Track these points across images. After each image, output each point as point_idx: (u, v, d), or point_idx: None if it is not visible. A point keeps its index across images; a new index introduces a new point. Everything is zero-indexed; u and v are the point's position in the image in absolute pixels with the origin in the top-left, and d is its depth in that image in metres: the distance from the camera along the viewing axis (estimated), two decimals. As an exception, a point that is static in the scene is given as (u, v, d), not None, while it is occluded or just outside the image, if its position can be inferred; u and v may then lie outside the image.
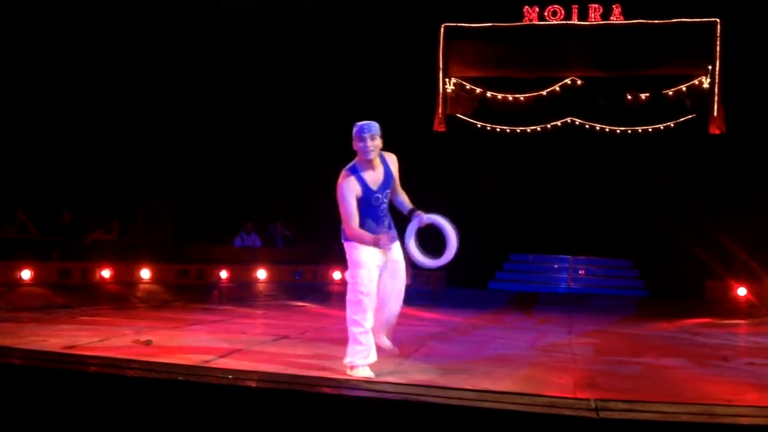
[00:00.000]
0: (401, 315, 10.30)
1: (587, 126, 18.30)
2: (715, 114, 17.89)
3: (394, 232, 6.05)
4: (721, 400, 5.37)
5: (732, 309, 12.61)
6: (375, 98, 17.41)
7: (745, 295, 13.86)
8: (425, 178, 17.50)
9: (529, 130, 18.46)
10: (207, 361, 6.21)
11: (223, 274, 13.95)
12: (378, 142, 5.98)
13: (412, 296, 12.12)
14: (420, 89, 18.68)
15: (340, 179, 5.89)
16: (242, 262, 14.53)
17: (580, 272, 16.30)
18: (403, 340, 7.91)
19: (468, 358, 7.02)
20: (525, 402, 4.48)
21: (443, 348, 7.58)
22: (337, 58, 18.03)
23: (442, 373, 6.08)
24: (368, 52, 17.86)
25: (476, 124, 18.87)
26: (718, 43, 17.89)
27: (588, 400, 4.29)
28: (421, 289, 13.95)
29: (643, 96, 18.81)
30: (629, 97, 18.85)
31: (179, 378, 4.90)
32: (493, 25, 18.98)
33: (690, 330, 9.70)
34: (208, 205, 16.09)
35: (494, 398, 4.58)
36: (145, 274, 12.91)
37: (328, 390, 4.89)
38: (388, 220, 6.11)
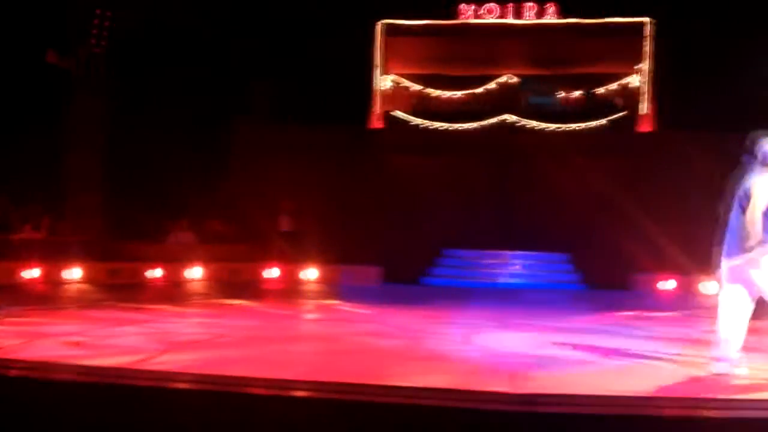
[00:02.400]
0: (337, 312, 10.31)
1: (522, 123, 18.53)
2: (645, 112, 18.34)
3: None
4: (647, 391, 5.49)
5: (660, 301, 12.95)
6: (311, 95, 17.36)
7: (673, 288, 14.27)
8: (361, 175, 17.56)
9: (465, 127, 18.59)
10: (138, 363, 6.08)
11: (157, 272, 13.71)
12: None
13: (347, 294, 12.17)
14: (357, 86, 18.66)
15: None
16: (177, 260, 14.30)
17: (515, 267, 16.51)
18: (339, 338, 7.91)
19: (404, 354, 7.03)
20: (460, 398, 4.51)
21: (379, 345, 7.58)
22: (274, 56, 17.88)
23: (379, 371, 6.07)
24: (305, 48, 17.76)
25: (413, 121, 18.94)
26: (648, 42, 18.35)
27: (522, 394, 4.33)
28: (357, 286, 13.96)
29: (576, 94, 19.15)
30: (563, 94, 19.17)
31: (108, 381, 4.78)
32: (430, 23, 19.07)
33: (620, 322, 9.90)
34: (141, 201, 15.78)
35: (430, 395, 4.61)
36: (76, 273, 12.61)
37: (262, 391, 4.83)
38: None
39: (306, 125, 17.67)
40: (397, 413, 4.22)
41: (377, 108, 19.15)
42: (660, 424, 4.07)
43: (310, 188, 16.23)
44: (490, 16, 18.81)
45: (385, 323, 9.32)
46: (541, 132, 18.46)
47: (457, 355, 6.93)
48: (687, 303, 12.60)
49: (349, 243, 15.09)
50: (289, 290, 13.47)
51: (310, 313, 11.04)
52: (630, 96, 18.80)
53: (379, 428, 4.17)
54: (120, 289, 12.35)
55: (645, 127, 18.31)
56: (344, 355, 6.87)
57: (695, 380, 6.00)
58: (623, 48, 18.50)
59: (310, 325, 9.89)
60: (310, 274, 14.99)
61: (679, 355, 7.25)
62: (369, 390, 4.89)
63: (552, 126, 18.46)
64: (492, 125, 18.57)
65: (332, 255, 14.90)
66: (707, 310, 11.88)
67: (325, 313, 10.72)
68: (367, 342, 7.71)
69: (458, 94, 19.13)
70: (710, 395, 5.37)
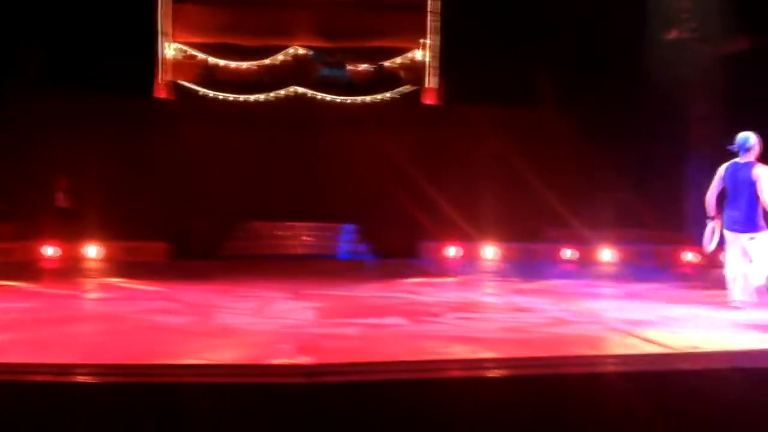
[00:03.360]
0: (120, 290, 9.90)
1: (311, 95, 18.64)
2: (430, 85, 19.13)
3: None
4: (433, 354, 5.76)
5: (444, 268, 13.63)
6: (91, 61, 16.40)
7: (456, 254, 15.08)
8: (148, 147, 16.83)
9: (256, 99, 18.42)
10: None
11: None
12: None
13: (133, 271, 11.68)
14: (141, 53, 17.87)
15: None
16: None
17: (306, 238, 16.66)
18: (122, 317, 7.58)
19: (194, 331, 6.89)
20: (247, 373, 4.49)
21: (167, 322, 7.36)
22: (47, 15, 16.67)
23: (166, 349, 5.90)
24: (82, 10, 16.70)
25: (200, 91, 18.45)
26: (431, 18, 19.08)
27: (302, 365, 4.37)
28: (144, 262, 13.45)
29: (363, 67, 19.54)
30: (351, 67, 19.47)
31: None
32: (215, -9, 18.63)
33: (407, 289, 10.30)
34: None
35: (212, 372, 4.55)
36: None
37: (39, 377, 4.55)
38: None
39: (84, 93, 16.62)
40: (185, 392, 4.13)
41: (162, 77, 18.44)
42: (446, 385, 4.28)
43: (91, 161, 15.34)
44: (277, -14, 18.67)
45: (174, 299, 9.05)
46: (332, 104, 18.68)
47: (248, 329, 6.88)
48: (469, 268, 13.40)
49: (136, 218, 14.48)
50: (68, 269, 12.67)
51: (91, 292, 10.46)
52: (417, 70, 19.48)
53: (166, 410, 4.06)
54: None
55: (431, 100, 19.09)
56: (128, 335, 6.60)
57: (478, 341, 6.36)
58: (409, 23, 19.12)
59: (91, 304, 9.38)
60: (92, 252, 14.21)
61: (461, 319, 7.67)
62: (155, 370, 4.74)
63: (342, 98, 18.74)
64: (283, 97, 18.52)
65: (117, 231, 14.22)
66: (486, 274, 12.78)
67: (107, 292, 10.20)
68: (153, 320, 7.45)
69: (246, 64, 18.88)
70: (493, 356, 5.73)
